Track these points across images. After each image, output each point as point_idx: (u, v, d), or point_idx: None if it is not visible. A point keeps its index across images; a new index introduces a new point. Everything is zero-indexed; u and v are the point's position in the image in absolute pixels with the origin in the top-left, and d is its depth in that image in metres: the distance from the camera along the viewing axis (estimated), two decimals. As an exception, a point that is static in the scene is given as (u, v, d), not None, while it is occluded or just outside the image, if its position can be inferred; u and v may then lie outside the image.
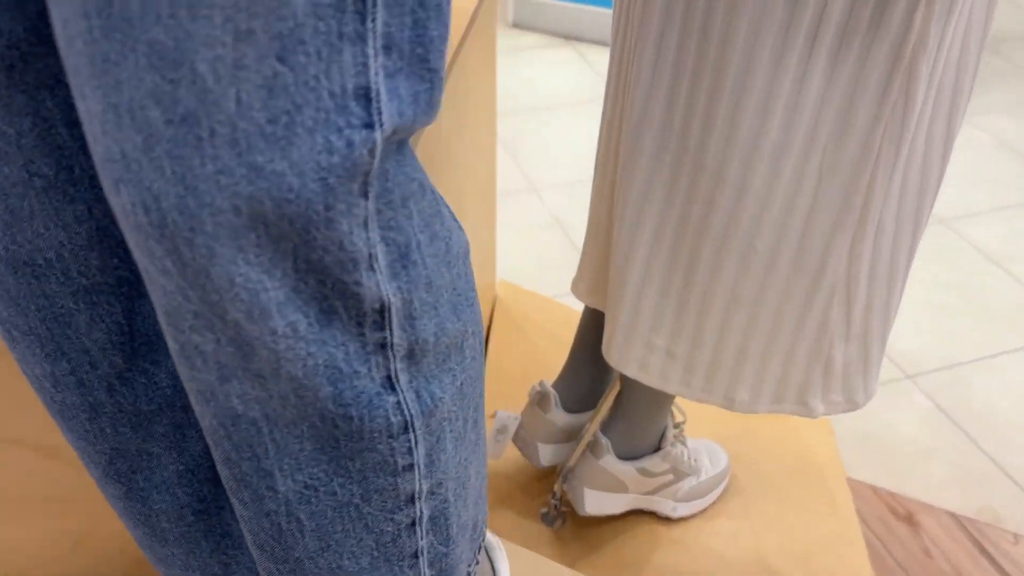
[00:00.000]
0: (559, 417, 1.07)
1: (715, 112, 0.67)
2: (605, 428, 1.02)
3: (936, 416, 1.51)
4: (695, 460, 1.09)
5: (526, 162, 2.19)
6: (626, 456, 1.03)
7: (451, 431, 0.43)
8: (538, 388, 1.08)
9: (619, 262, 0.80)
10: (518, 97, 2.49)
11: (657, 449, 1.04)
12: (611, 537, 1.08)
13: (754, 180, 0.67)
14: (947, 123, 0.69)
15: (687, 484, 1.09)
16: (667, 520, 1.10)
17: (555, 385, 1.09)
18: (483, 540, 0.58)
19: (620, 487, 1.04)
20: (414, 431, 0.39)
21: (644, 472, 1.04)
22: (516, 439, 1.10)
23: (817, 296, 0.73)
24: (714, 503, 1.13)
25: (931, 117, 0.67)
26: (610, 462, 1.02)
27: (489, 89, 1.24)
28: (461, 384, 0.42)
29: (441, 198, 0.39)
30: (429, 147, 0.87)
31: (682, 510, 1.10)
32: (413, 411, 0.39)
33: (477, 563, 0.57)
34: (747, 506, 1.13)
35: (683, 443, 1.09)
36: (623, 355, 0.85)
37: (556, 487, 1.08)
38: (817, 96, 0.64)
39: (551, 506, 1.09)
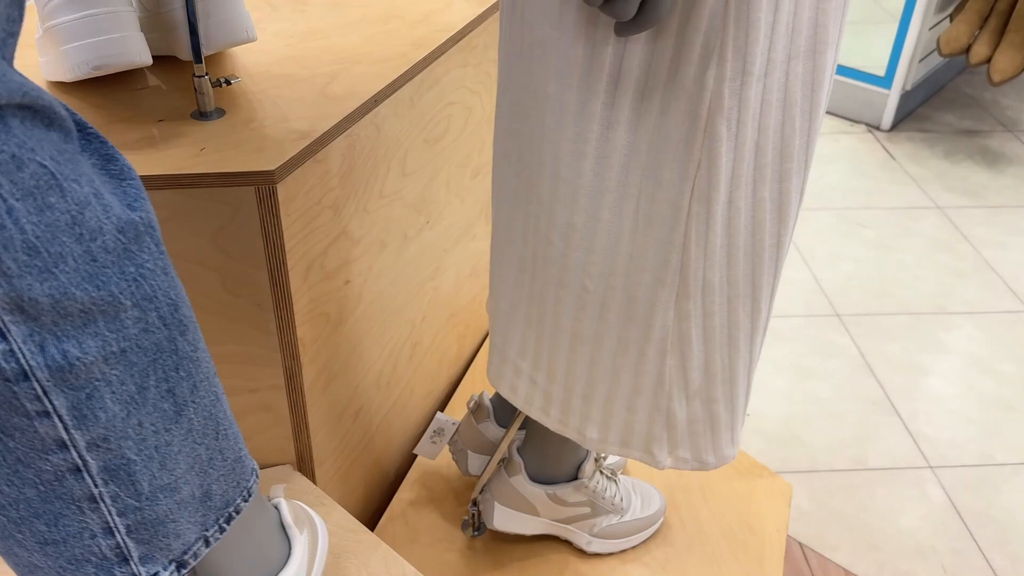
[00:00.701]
0: (490, 429, 1.09)
1: (543, 151, 0.68)
2: (521, 448, 1.03)
3: (947, 514, 1.40)
4: (622, 499, 1.08)
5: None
6: (539, 479, 1.03)
7: (112, 392, 0.47)
8: (476, 398, 1.11)
9: (494, 283, 0.82)
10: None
11: (573, 478, 1.04)
12: (520, 557, 1.09)
13: (577, 220, 0.68)
14: (777, 187, 0.66)
15: (606, 521, 1.08)
16: (581, 552, 1.10)
17: (493, 398, 1.11)
18: (234, 512, 0.62)
19: (530, 509, 1.05)
20: (38, 380, 0.44)
21: (556, 499, 1.05)
22: (451, 444, 1.13)
23: (649, 348, 0.71)
24: (636, 547, 1.11)
25: (755, 180, 0.65)
26: (520, 482, 1.03)
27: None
28: (122, 351, 0.47)
29: (85, 178, 0.44)
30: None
31: (596, 546, 1.09)
32: (33, 362, 0.44)
33: (221, 531, 0.61)
34: (669, 559, 1.11)
35: (611, 478, 1.08)
36: (497, 373, 0.86)
37: (475, 497, 1.10)
38: (624, 146, 0.64)
39: (470, 514, 1.11)
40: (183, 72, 0.93)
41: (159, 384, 0.51)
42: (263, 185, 0.77)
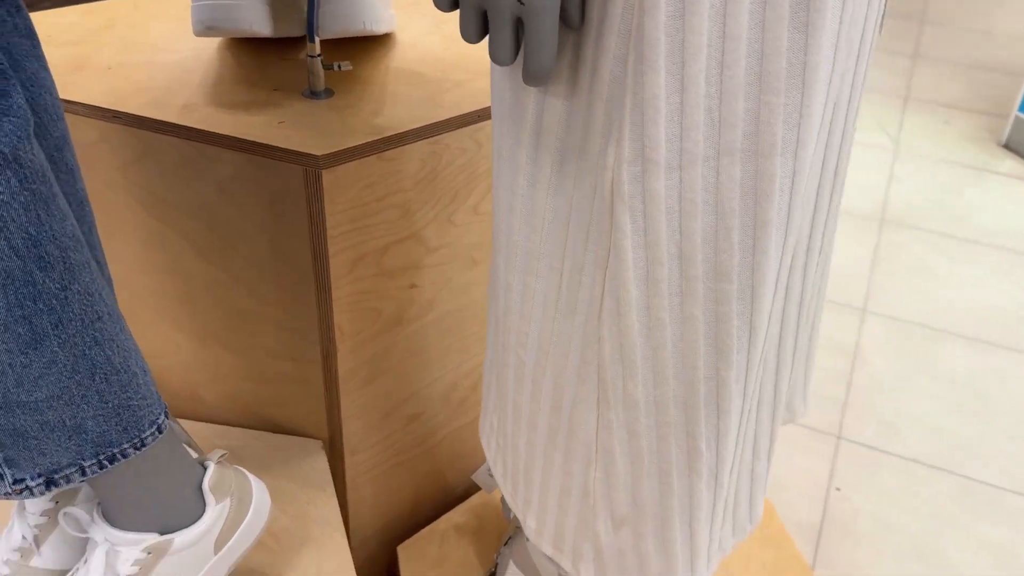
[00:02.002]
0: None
1: (496, 196, 0.61)
2: None
3: None
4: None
5: (870, 278, 1.93)
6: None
7: None
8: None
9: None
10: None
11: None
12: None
13: (513, 280, 0.59)
14: (713, 309, 0.51)
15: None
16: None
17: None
18: (119, 455, 0.65)
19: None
20: None
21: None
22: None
23: (575, 448, 0.60)
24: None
25: (682, 292, 0.50)
26: (535, 548, 0.95)
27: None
28: None
29: None
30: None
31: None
32: None
33: (100, 467, 0.64)
34: None
35: None
36: (482, 423, 0.80)
37: (499, 548, 1.04)
38: (548, 210, 0.53)
39: (494, 564, 1.05)
40: (328, 53, 0.97)
41: (12, 309, 0.54)
42: (310, 168, 0.78)
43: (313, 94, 0.87)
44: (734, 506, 0.68)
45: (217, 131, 0.80)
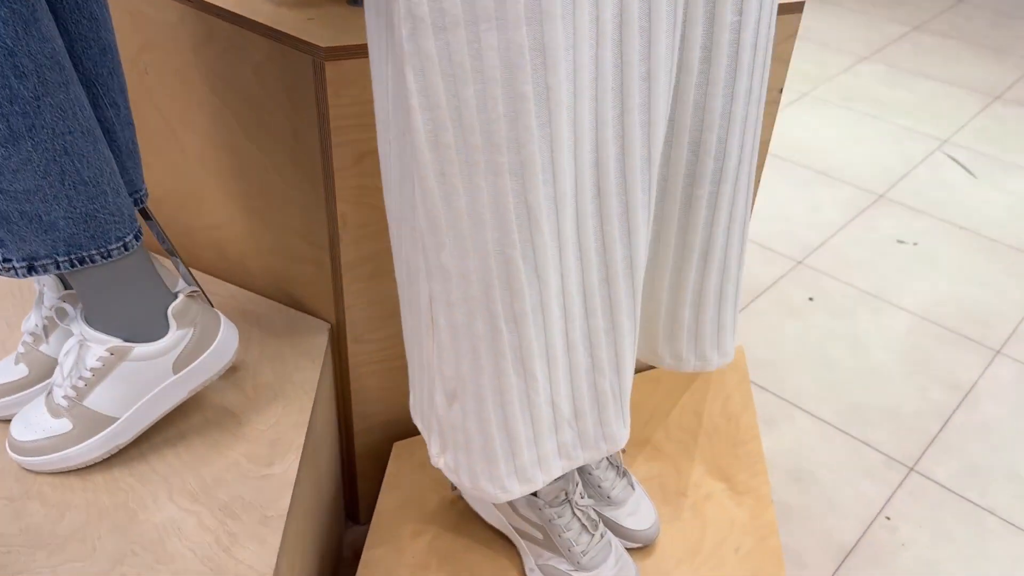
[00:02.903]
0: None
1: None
2: None
3: None
4: (584, 552, 0.97)
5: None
6: None
7: None
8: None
9: None
10: None
11: (534, 495, 0.97)
12: (473, 545, 1.05)
13: (382, 150, 0.63)
14: (494, 182, 0.51)
15: (554, 560, 0.98)
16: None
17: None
18: (87, 259, 0.77)
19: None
20: None
21: (511, 504, 0.99)
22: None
23: (420, 320, 0.63)
24: None
25: (468, 163, 0.51)
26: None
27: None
28: None
29: None
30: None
31: (534, 577, 1.00)
32: None
33: (71, 265, 0.77)
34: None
35: (586, 526, 0.97)
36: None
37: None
38: (380, 75, 0.56)
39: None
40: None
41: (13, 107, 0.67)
42: (316, 59, 0.87)
43: (353, 1, 0.96)
44: (573, 415, 0.69)
45: (254, 18, 0.91)
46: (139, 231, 0.81)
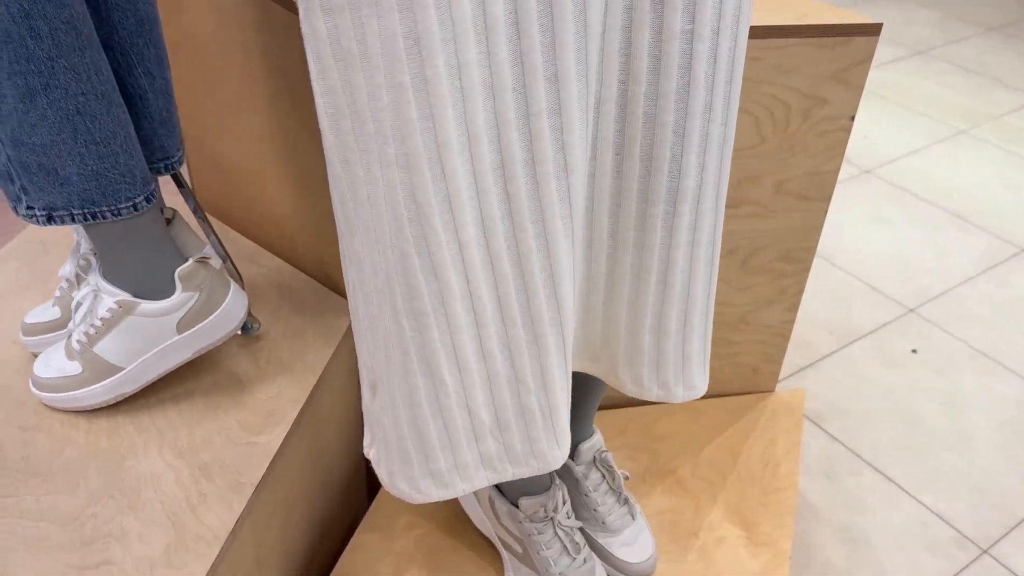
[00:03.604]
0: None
1: None
2: None
3: None
4: (562, 574, 0.94)
5: None
6: (498, 485, 0.97)
7: None
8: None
9: None
10: None
11: (515, 504, 0.94)
12: (460, 546, 1.04)
13: None
14: (385, 166, 0.48)
15: (529, 575, 0.95)
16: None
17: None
18: (99, 214, 0.82)
19: (481, 499, 0.99)
20: None
21: (493, 507, 0.97)
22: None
23: (351, 307, 0.62)
24: None
25: (367, 150, 0.49)
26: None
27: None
28: None
29: None
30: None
31: (511, 591, 0.97)
32: None
33: (85, 219, 0.82)
34: None
35: (565, 546, 0.94)
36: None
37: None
38: None
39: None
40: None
41: (12, 63, 0.73)
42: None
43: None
44: (497, 426, 0.66)
45: (300, 3, 0.94)
46: (151, 194, 0.85)
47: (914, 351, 1.65)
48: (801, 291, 1.18)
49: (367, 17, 0.50)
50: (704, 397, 1.28)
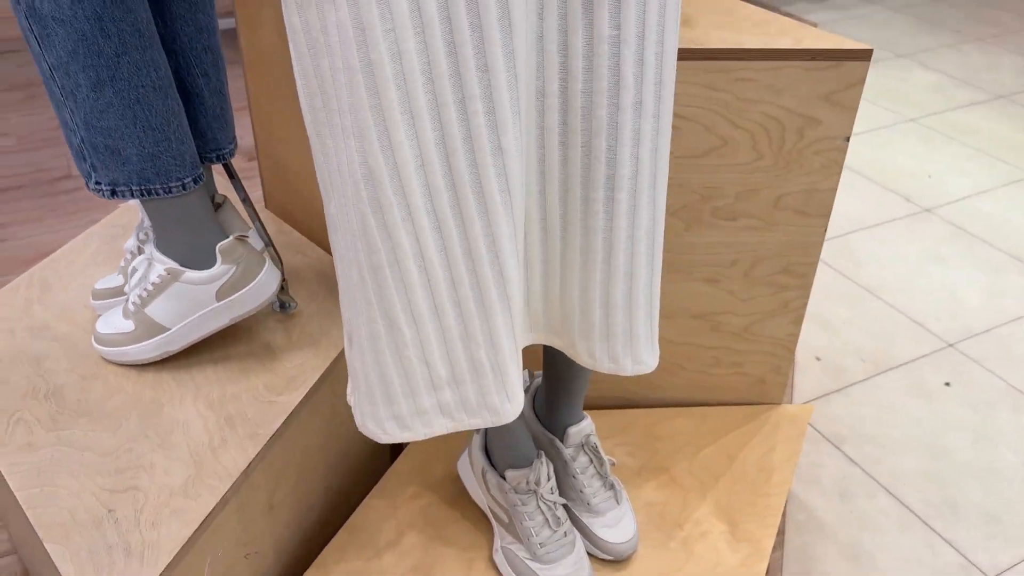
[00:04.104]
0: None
1: None
2: None
3: None
4: (541, 545, 1.01)
5: None
6: (488, 452, 1.05)
7: (59, 39, 0.84)
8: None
9: None
10: None
11: (503, 476, 1.03)
12: (459, 518, 1.13)
13: None
14: (342, 139, 0.58)
15: (514, 545, 1.03)
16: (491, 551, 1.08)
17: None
18: (154, 191, 0.96)
19: (476, 469, 1.08)
20: (25, 14, 0.85)
21: (484, 478, 1.05)
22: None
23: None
24: None
25: (327, 112, 0.59)
26: (476, 440, 1.07)
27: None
28: (59, 20, 0.83)
29: None
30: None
31: (498, 559, 1.05)
32: (24, 3, 0.85)
33: (142, 195, 0.96)
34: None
35: (547, 520, 1.02)
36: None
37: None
38: None
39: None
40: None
41: (85, 58, 0.87)
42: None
43: None
44: (452, 379, 0.75)
45: None
46: (199, 176, 0.99)
47: (947, 384, 1.65)
48: (804, 305, 1.22)
49: (327, 11, 0.61)
50: (711, 405, 1.33)
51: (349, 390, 0.82)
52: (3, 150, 2.30)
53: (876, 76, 2.97)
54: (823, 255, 2.04)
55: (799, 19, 3.38)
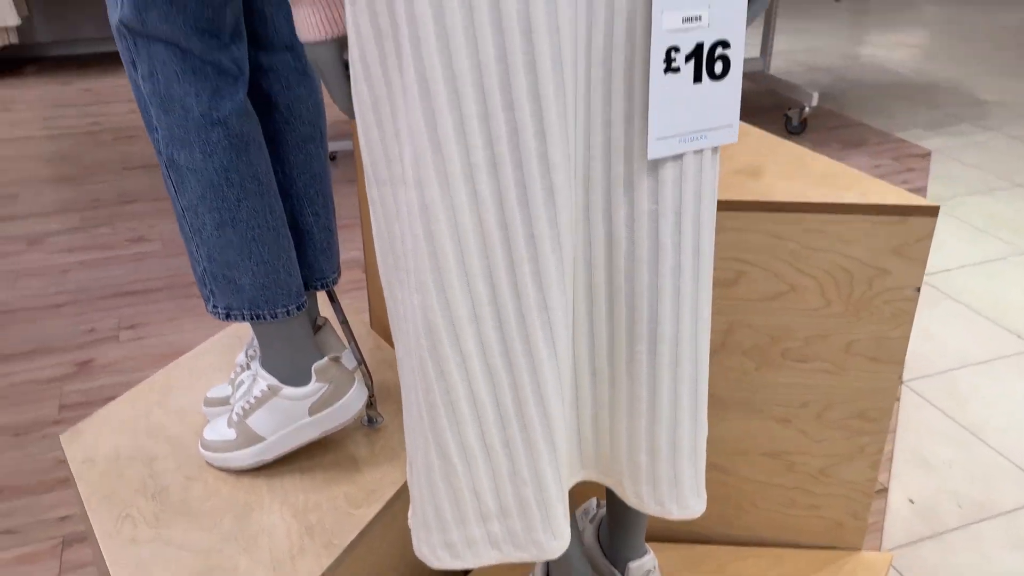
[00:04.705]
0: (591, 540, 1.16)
1: None
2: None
3: None
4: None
5: None
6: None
7: (191, 185, 0.98)
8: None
9: None
10: None
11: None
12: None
13: None
14: (414, 298, 0.65)
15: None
16: None
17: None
18: (262, 315, 1.07)
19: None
20: (165, 164, 1.00)
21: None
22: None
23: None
24: None
25: (399, 282, 0.66)
26: (538, 572, 1.11)
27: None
28: (192, 169, 0.97)
29: (194, 90, 0.94)
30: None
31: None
32: (164, 151, 1.00)
33: (250, 319, 1.08)
34: None
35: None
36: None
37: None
38: None
39: None
40: None
41: (212, 201, 1.01)
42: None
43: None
44: (501, 512, 0.79)
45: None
46: (302, 303, 1.10)
47: (1055, 539, 1.56)
48: (880, 450, 1.22)
49: (399, 190, 0.72)
50: (790, 546, 1.32)
51: (410, 513, 0.88)
52: (149, 254, 2.55)
53: (991, 205, 2.91)
54: (924, 391, 1.99)
55: (913, 146, 3.36)
